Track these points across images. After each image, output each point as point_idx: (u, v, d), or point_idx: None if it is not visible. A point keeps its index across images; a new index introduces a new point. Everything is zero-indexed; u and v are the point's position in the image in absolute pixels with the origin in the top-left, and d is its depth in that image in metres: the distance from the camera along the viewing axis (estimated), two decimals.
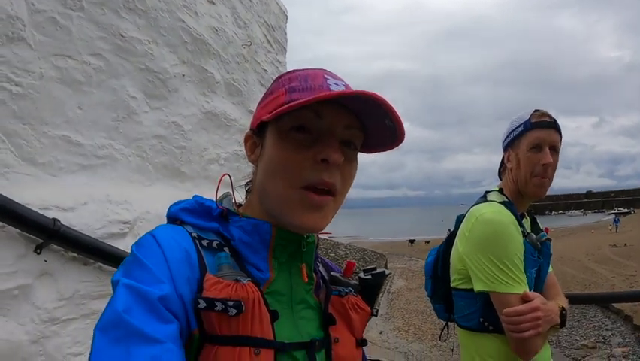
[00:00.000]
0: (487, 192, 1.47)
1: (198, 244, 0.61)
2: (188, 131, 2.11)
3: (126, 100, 1.65)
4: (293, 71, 0.68)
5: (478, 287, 1.28)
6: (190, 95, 2.09)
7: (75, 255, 1.32)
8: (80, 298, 1.32)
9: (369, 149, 0.68)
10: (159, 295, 0.51)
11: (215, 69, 2.26)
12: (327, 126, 0.61)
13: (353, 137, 0.64)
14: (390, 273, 1.01)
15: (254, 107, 2.73)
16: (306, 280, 0.69)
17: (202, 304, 0.54)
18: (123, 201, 1.59)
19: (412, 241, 30.53)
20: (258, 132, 0.67)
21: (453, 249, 1.43)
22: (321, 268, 0.78)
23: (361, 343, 0.75)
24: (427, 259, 1.66)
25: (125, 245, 1.51)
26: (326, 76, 0.64)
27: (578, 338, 8.61)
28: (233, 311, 0.54)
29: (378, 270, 0.81)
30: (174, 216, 0.68)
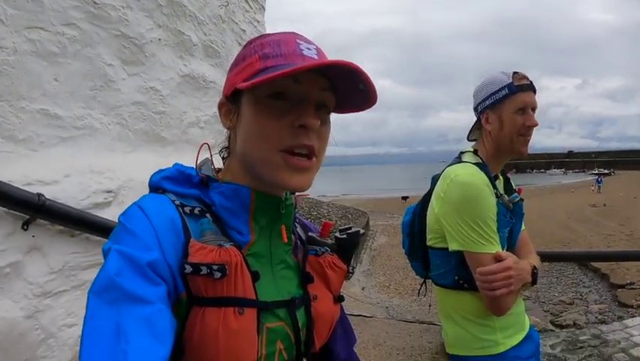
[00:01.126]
0: (461, 152, 1.49)
1: (181, 211, 0.63)
2: (167, 95, 2.07)
3: (102, 68, 1.60)
4: (264, 36, 0.67)
5: (452, 247, 1.33)
6: (167, 59, 2.03)
7: (62, 228, 1.33)
8: (69, 270, 1.35)
9: (341, 109, 0.69)
10: (148, 260, 0.54)
11: (192, 31, 2.19)
12: (304, 92, 0.62)
13: (327, 99, 0.65)
14: (364, 232, 1.12)
15: None
16: (286, 240, 0.71)
17: (188, 269, 0.57)
18: (106, 170, 1.59)
19: (405, 198, 30.12)
20: (232, 99, 0.67)
21: (429, 209, 1.46)
22: (299, 230, 0.81)
23: (339, 299, 0.78)
24: (404, 218, 1.70)
25: (110, 214, 1.53)
26: (298, 41, 0.64)
27: (556, 294, 8.94)
28: (217, 275, 0.57)
29: (353, 229, 0.84)
30: (156, 186, 0.69)
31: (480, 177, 1.32)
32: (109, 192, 1.57)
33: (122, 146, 1.79)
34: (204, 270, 0.56)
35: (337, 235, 0.81)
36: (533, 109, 1.39)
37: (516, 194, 1.47)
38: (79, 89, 1.52)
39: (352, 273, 0.85)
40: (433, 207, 1.40)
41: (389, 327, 1.96)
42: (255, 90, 0.61)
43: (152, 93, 1.94)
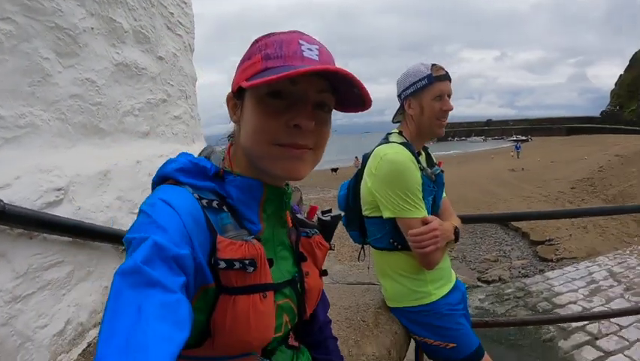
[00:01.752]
0: (388, 134, 1.67)
1: (202, 204, 0.66)
2: (102, 85, 2.01)
3: (40, 62, 1.53)
4: (269, 35, 0.70)
5: (386, 215, 1.52)
6: (100, 48, 1.96)
7: (21, 231, 1.33)
8: (34, 272, 1.33)
9: (343, 107, 0.72)
10: (175, 254, 0.56)
11: (123, 18, 2.11)
12: (301, 92, 0.65)
13: (325, 99, 0.68)
14: (342, 214, 1.14)
15: (163, 54, 2.65)
16: (291, 225, 0.80)
17: (222, 264, 0.63)
18: (53, 168, 1.55)
19: (334, 170, 30.53)
20: (237, 95, 0.71)
21: (362, 184, 1.64)
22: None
23: (323, 273, 0.88)
24: (340, 193, 1.88)
25: (63, 211, 1.51)
26: (300, 41, 0.66)
27: (481, 253, 9.72)
28: (250, 269, 0.65)
29: (334, 213, 0.94)
30: (169, 177, 0.71)
31: (406, 155, 1.51)
32: (59, 189, 1.54)
33: (63, 141, 1.73)
34: (237, 265, 0.64)
35: (321, 217, 0.91)
36: (449, 95, 1.59)
37: (437, 167, 1.70)
38: (19, 86, 1.45)
39: (333, 249, 0.94)
40: (367, 183, 1.58)
41: (335, 291, 2.17)
42: (255, 89, 0.64)
43: (88, 84, 1.88)
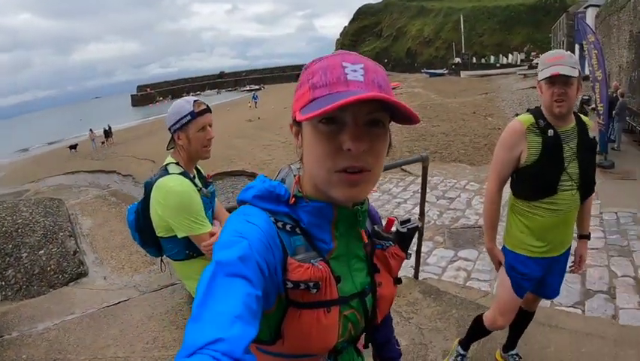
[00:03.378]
0: (166, 164, 1.81)
1: (278, 226, 0.74)
2: None
3: None
4: (315, 62, 0.71)
5: (181, 234, 1.72)
6: None
7: None
8: None
9: (398, 121, 0.71)
10: (259, 259, 0.66)
11: None
12: (350, 116, 0.65)
13: (377, 117, 0.67)
14: (421, 225, 1.02)
15: None
16: (366, 241, 0.84)
17: (290, 285, 0.71)
18: None
19: (73, 147, 26.11)
20: (296, 122, 0.73)
21: (152, 211, 1.78)
22: (367, 223, 0.89)
23: (397, 281, 0.90)
24: (129, 217, 1.97)
25: None
26: (344, 63, 0.67)
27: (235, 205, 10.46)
28: (314, 290, 0.71)
29: (412, 223, 0.92)
30: (247, 202, 0.79)
31: (186, 184, 1.73)
32: None
33: None
34: (303, 286, 0.71)
35: (399, 228, 0.90)
36: (210, 125, 1.80)
37: (210, 184, 2.00)
38: None
39: (409, 259, 0.96)
40: (157, 211, 1.75)
41: (148, 300, 2.41)
42: None
43: None
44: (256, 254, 0.65)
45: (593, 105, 10.05)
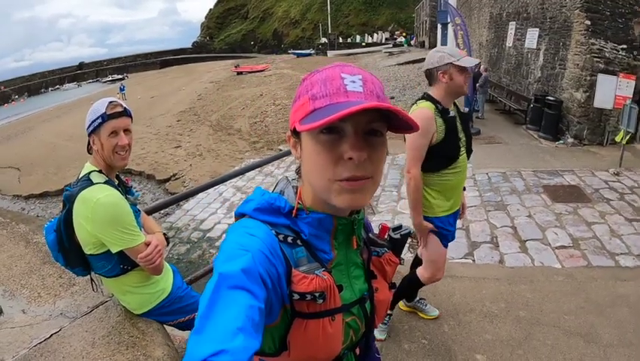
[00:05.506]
0: (88, 173, 1.67)
1: (279, 238, 0.75)
2: None
3: None
4: (313, 73, 0.72)
5: (115, 249, 1.64)
6: None
7: None
8: None
9: (395, 130, 0.72)
10: (262, 272, 0.67)
11: None
12: (351, 126, 0.66)
13: (376, 127, 0.68)
14: (413, 231, 1.03)
15: None
16: (355, 247, 0.84)
17: (296, 296, 0.72)
18: None
19: None
20: (295, 133, 0.74)
21: (78, 227, 1.66)
22: (362, 231, 0.89)
23: (392, 286, 0.94)
24: (49, 238, 1.83)
25: None
26: (342, 74, 0.68)
27: None
28: (320, 301, 0.73)
29: (403, 230, 0.96)
30: (247, 215, 0.79)
31: (114, 194, 1.62)
32: None
33: None
34: (309, 297, 0.72)
35: (392, 235, 0.94)
36: (126, 130, 1.68)
37: (135, 191, 1.95)
38: None
39: (402, 264, 0.91)
40: (85, 227, 1.62)
41: (82, 326, 2.19)
42: None
43: None
44: (259, 266, 0.67)
45: None
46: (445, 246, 2.49)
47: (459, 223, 5.37)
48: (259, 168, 9.15)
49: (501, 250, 4.63)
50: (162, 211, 8.55)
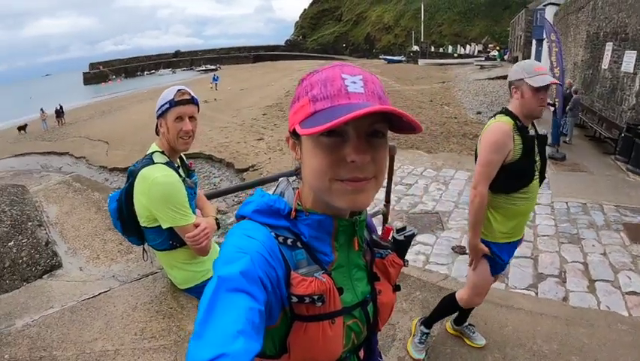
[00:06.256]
0: (151, 153, 1.81)
1: (278, 241, 0.74)
2: None
3: None
4: (312, 74, 0.71)
5: (165, 225, 1.75)
6: None
7: None
8: None
9: (397, 130, 0.71)
10: (261, 274, 0.66)
11: None
12: (353, 128, 0.65)
13: (378, 128, 0.67)
14: (417, 232, 1.08)
15: None
16: (357, 249, 0.83)
17: (294, 299, 0.71)
18: None
19: (22, 128, 24.77)
20: (294, 134, 0.73)
21: (136, 200, 1.80)
22: (365, 233, 0.89)
23: (397, 288, 0.91)
24: (111, 206, 1.98)
25: None
26: (343, 75, 0.67)
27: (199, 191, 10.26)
28: (319, 303, 0.72)
29: (408, 231, 0.94)
30: (247, 217, 0.78)
31: (171, 175, 1.73)
32: None
33: None
34: (307, 300, 0.71)
35: (396, 236, 0.92)
36: (191, 117, 1.79)
37: (193, 173, 2.03)
38: None
39: (407, 266, 0.95)
40: (142, 201, 1.76)
41: (129, 290, 2.41)
42: None
43: None
44: (258, 269, 0.66)
45: (553, 102, 10.57)
46: (493, 275, 2.33)
47: (528, 252, 5.24)
48: None
49: (567, 287, 4.29)
50: (235, 199, 9.07)
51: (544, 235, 5.56)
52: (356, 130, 0.65)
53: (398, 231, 0.94)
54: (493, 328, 3.00)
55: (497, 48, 47.50)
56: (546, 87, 1.96)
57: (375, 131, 0.67)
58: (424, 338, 2.68)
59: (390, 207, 6.98)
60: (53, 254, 3.26)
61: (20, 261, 3.15)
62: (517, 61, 35.50)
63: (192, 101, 1.79)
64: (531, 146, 2.05)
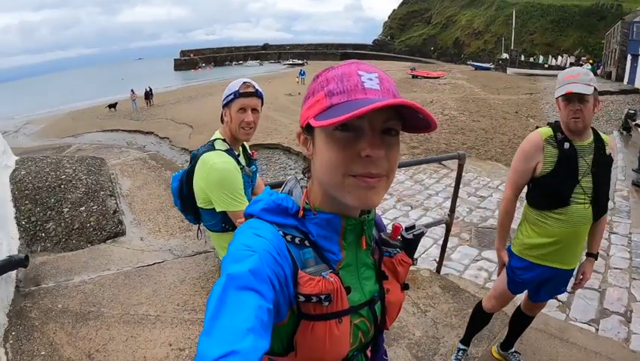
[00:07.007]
0: (214, 140, 1.88)
1: (286, 239, 0.74)
2: None
3: None
4: (328, 70, 0.71)
5: (219, 208, 1.81)
6: None
7: None
8: None
9: (410, 129, 0.71)
10: (269, 273, 0.66)
11: None
12: (368, 123, 0.65)
13: (392, 126, 0.67)
14: (426, 231, 1.12)
15: None
16: (365, 247, 0.82)
17: (302, 298, 0.71)
18: None
19: (112, 106, 26.99)
20: (306, 129, 0.73)
21: (195, 183, 1.88)
22: (374, 231, 0.88)
23: (405, 287, 0.90)
24: (173, 185, 2.08)
25: None
26: (359, 72, 0.68)
27: (268, 180, 10.07)
28: (326, 303, 0.72)
29: (417, 230, 0.93)
30: (255, 216, 0.78)
31: (229, 162, 1.79)
32: None
33: None
34: (314, 299, 0.71)
35: (405, 235, 0.91)
36: (254, 110, 1.85)
37: (253, 161, 2.09)
38: None
39: (415, 265, 1.02)
40: (199, 184, 1.85)
41: (181, 264, 2.58)
42: None
43: None
44: (266, 267, 0.66)
45: (639, 120, 9.56)
46: (513, 291, 2.20)
47: (595, 283, 4.77)
48: (411, 174, 9.17)
49: (631, 328, 3.86)
50: None
51: (616, 268, 5.06)
52: (371, 126, 0.65)
53: (407, 229, 0.93)
54: (541, 359, 2.80)
55: (590, 61, 43.70)
56: (575, 97, 1.78)
57: (389, 129, 0.67)
58: (460, 354, 2.58)
59: (460, 218, 6.87)
60: (119, 222, 3.56)
61: (88, 225, 3.46)
62: (610, 77, 33.16)
63: (256, 94, 1.85)
64: (567, 160, 1.86)
